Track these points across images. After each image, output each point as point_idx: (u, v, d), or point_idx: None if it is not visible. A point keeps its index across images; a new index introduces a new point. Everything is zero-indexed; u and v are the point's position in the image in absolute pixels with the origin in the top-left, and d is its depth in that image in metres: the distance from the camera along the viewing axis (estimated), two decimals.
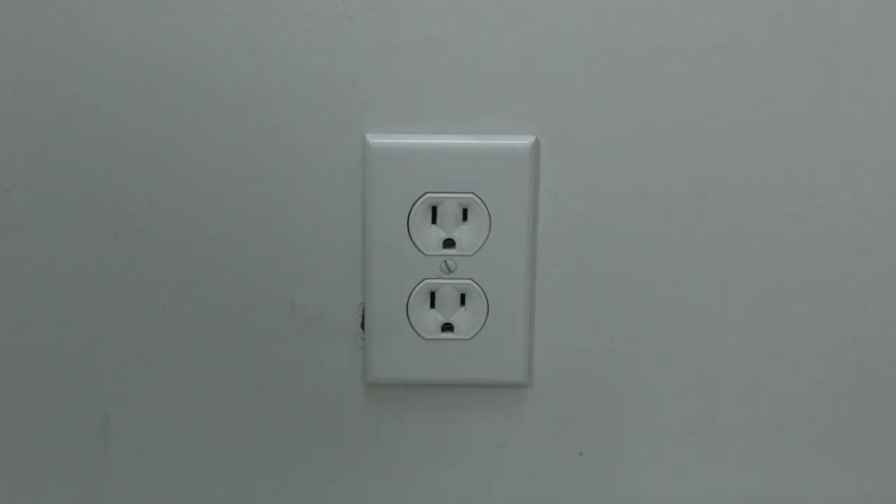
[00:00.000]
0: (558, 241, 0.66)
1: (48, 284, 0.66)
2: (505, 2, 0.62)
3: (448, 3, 0.62)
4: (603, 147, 0.65)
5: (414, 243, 0.65)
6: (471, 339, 0.67)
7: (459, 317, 0.66)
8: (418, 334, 0.66)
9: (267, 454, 0.69)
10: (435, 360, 0.67)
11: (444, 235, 0.65)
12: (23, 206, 0.65)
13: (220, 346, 0.68)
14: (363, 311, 0.67)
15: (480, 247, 0.65)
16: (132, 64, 0.63)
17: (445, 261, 0.65)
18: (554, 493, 0.71)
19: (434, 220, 0.65)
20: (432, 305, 0.66)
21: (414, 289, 0.66)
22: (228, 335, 0.67)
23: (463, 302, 0.66)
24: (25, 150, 0.64)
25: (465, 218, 0.65)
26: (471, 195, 0.64)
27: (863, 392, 0.69)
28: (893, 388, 0.69)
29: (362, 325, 0.67)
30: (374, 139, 0.64)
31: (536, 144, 0.64)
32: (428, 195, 0.64)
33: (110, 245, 0.66)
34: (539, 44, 0.63)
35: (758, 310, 0.67)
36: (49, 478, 0.70)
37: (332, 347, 0.68)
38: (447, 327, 0.67)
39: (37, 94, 0.63)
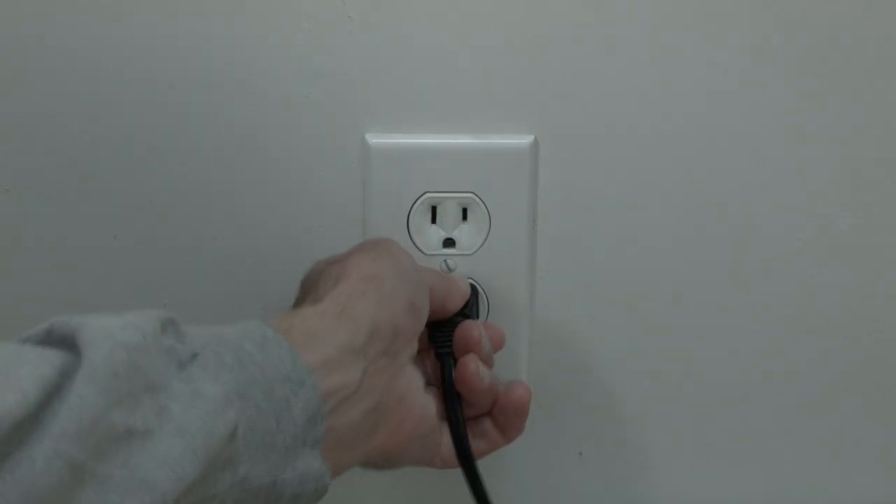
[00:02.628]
0: (558, 241, 0.66)
1: (48, 284, 0.66)
2: (505, 2, 0.62)
3: (448, 3, 0.62)
4: (602, 147, 0.65)
5: (414, 243, 0.65)
6: None
7: None
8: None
9: None
10: None
11: (443, 235, 0.65)
12: (23, 206, 0.65)
13: None
14: None
15: (480, 246, 0.65)
16: (132, 64, 0.63)
17: (445, 260, 0.65)
18: (554, 492, 0.71)
19: (434, 220, 0.65)
20: None
21: None
22: None
23: None
24: (25, 150, 0.64)
25: (464, 217, 0.65)
26: (470, 195, 0.64)
27: (863, 392, 0.69)
28: (893, 388, 0.69)
29: None
30: (374, 139, 0.64)
31: (536, 144, 0.64)
32: (428, 195, 0.64)
33: (110, 245, 0.66)
34: (539, 43, 0.63)
35: (757, 310, 0.67)
36: None
37: None
38: None
39: (37, 94, 0.64)
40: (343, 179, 0.65)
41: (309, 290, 0.56)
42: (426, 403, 0.57)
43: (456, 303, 0.61)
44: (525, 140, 0.64)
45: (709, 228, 0.66)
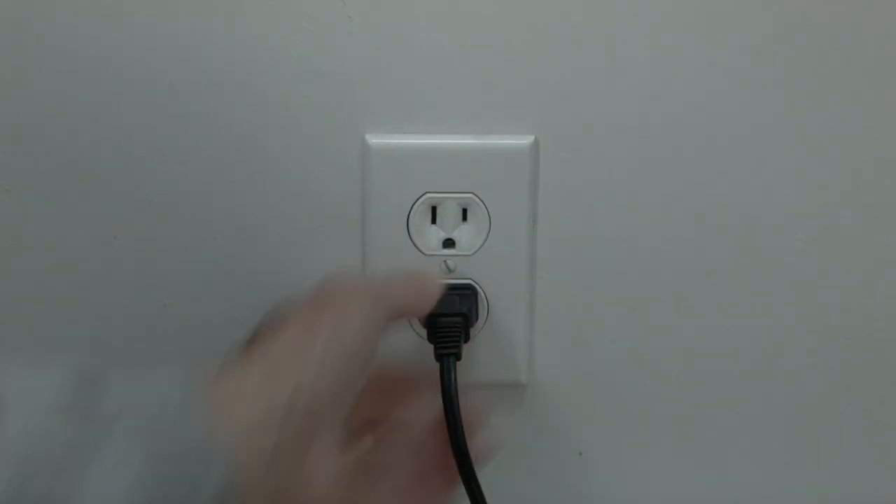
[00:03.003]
0: (558, 241, 0.66)
1: (48, 284, 0.66)
2: (505, 2, 0.62)
3: (448, 3, 0.62)
4: (602, 147, 0.65)
5: (414, 243, 0.65)
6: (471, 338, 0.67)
7: None
8: (418, 334, 0.66)
9: None
10: None
11: (443, 235, 0.65)
12: (23, 206, 0.65)
13: (221, 346, 0.68)
14: None
15: (480, 247, 0.65)
16: (132, 64, 0.63)
17: (445, 261, 0.65)
18: (554, 493, 0.71)
19: (434, 221, 0.65)
20: None
21: None
22: (229, 336, 0.67)
23: None
24: (25, 150, 0.64)
25: (464, 218, 0.65)
26: (470, 195, 0.64)
27: (863, 392, 0.69)
28: (893, 388, 0.69)
29: None
30: (374, 139, 0.64)
31: (536, 144, 0.64)
32: (428, 195, 0.64)
33: (110, 245, 0.66)
34: (539, 43, 0.63)
35: (757, 310, 0.67)
36: None
37: None
38: None
39: (37, 94, 0.64)
40: (343, 180, 0.65)
41: (257, 332, 0.55)
42: (337, 475, 0.54)
43: (426, 306, 0.59)
44: (525, 140, 0.64)
45: (709, 228, 0.66)
